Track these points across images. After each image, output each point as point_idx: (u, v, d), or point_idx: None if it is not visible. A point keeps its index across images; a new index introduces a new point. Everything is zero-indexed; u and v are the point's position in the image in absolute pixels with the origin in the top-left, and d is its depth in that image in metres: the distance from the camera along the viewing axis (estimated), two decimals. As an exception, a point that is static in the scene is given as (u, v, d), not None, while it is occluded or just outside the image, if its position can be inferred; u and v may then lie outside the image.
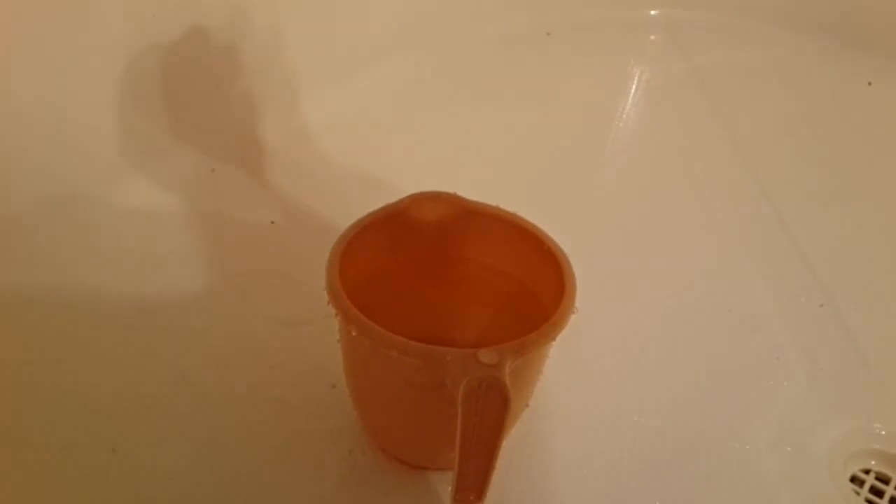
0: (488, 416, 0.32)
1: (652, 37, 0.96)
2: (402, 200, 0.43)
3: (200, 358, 0.50)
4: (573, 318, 0.38)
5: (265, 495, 0.43)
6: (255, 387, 0.49)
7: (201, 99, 0.67)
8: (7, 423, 0.45)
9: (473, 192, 0.44)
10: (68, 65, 0.57)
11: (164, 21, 0.62)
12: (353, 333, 0.35)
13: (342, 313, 0.36)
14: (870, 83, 0.86)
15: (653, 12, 0.97)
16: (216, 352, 0.51)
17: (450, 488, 0.36)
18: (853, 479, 0.48)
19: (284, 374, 0.50)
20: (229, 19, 0.67)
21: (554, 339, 0.37)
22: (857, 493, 0.47)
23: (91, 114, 0.60)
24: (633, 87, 0.88)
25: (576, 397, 0.50)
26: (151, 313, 0.53)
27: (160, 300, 0.54)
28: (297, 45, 0.73)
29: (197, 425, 0.46)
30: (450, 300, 0.47)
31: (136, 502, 0.42)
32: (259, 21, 0.69)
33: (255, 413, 0.47)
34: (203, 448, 0.45)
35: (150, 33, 0.62)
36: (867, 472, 0.49)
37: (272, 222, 0.62)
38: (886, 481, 0.48)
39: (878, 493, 0.48)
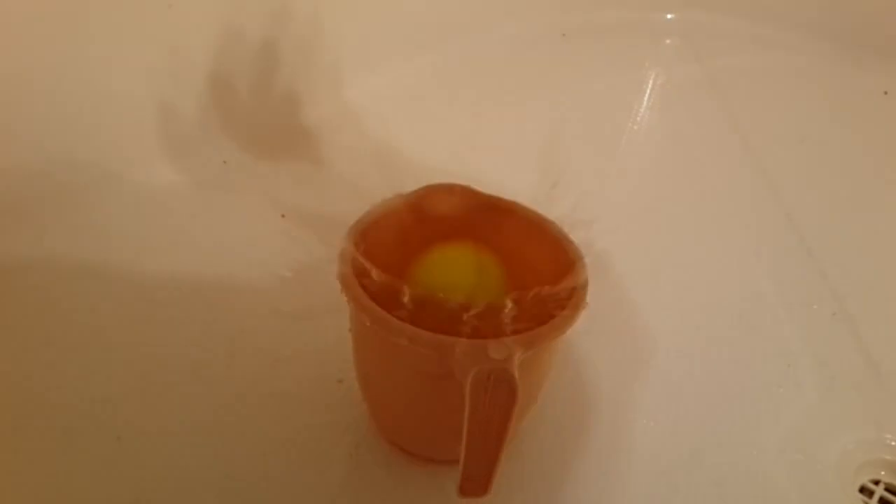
0: (496, 408, 0.32)
1: (668, 40, 0.95)
2: (415, 192, 0.42)
3: (207, 349, 0.50)
4: (583, 315, 0.37)
5: (270, 488, 0.42)
6: (262, 380, 0.48)
7: (212, 91, 0.67)
8: (11, 409, 0.45)
9: (487, 188, 0.44)
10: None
11: (177, 13, 0.62)
12: (368, 323, 0.35)
13: (354, 302, 0.36)
14: (886, 92, 0.86)
15: (669, 16, 0.96)
16: (223, 343, 0.50)
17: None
18: (862, 490, 0.47)
19: (291, 367, 0.49)
20: (239, 16, 0.67)
21: (564, 333, 0.36)
22: (866, 504, 0.46)
23: (104, 99, 0.60)
24: (648, 90, 0.87)
25: (584, 398, 0.50)
26: (158, 303, 0.53)
27: (167, 290, 0.54)
28: (307, 42, 0.73)
29: (202, 417, 0.46)
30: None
31: (139, 491, 0.42)
32: (268, 17, 0.68)
33: (261, 406, 0.47)
34: (208, 440, 0.45)
35: (166, 27, 0.62)
36: (877, 482, 0.48)
37: (283, 215, 0.62)
38: (897, 492, 0.48)
39: (888, 505, 0.47)
